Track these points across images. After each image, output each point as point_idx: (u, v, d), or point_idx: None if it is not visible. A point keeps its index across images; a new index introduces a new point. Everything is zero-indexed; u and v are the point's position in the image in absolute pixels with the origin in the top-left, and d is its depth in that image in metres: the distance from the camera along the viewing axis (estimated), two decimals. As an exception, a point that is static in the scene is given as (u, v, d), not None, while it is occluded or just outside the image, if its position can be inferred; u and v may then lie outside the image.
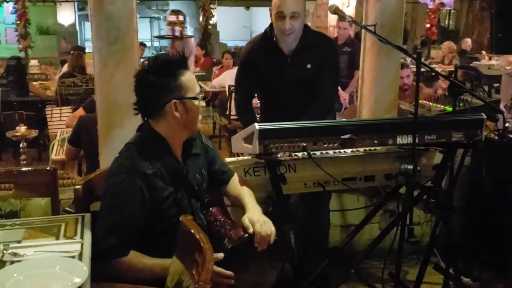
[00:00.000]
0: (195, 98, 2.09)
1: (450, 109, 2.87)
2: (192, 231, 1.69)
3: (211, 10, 11.54)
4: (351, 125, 2.45)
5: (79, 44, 18.46)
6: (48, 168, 2.33)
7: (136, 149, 2.06)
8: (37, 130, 4.25)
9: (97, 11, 3.00)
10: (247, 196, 2.29)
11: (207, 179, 2.30)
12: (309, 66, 3.02)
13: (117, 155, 2.11)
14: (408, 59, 10.07)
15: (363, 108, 3.58)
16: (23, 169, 2.29)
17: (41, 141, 6.13)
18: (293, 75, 3.03)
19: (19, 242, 1.85)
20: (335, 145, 2.45)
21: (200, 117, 2.17)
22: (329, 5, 2.93)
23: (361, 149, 2.74)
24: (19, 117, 5.88)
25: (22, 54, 9.86)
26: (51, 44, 16.62)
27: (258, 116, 3.36)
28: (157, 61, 2.08)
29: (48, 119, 5.95)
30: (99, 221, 2.02)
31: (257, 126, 2.33)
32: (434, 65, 9.75)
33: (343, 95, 5.52)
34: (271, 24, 3.03)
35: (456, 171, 2.83)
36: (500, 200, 3.27)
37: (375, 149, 2.77)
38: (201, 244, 1.61)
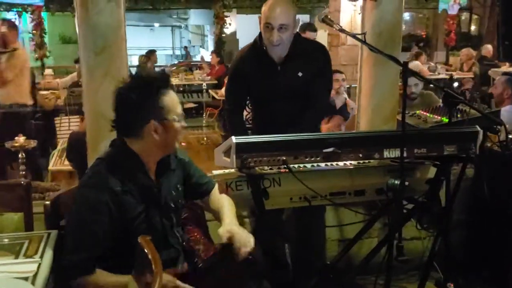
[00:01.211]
0: (176, 120, 2.01)
1: (447, 120, 2.75)
2: (146, 251, 1.61)
3: (225, 19, 11.51)
4: (335, 138, 2.34)
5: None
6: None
7: (105, 165, 2.00)
8: (36, 141, 4.24)
9: (83, 21, 2.96)
10: (226, 209, 2.21)
11: (182, 194, 2.23)
12: (300, 74, 2.94)
13: (87, 171, 2.05)
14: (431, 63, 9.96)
15: (361, 119, 3.47)
16: (-5, 183, 2.24)
17: (51, 150, 6.15)
18: (284, 83, 2.95)
19: (-23, 261, 1.80)
20: (318, 158, 2.34)
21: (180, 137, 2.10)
22: (321, 12, 2.83)
23: (354, 162, 2.63)
24: (27, 127, 5.91)
25: (39, 63, 10.00)
26: (73, 53, 16.87)
27: (250, 126, 3.28)
28: (139, 79, 2.01)
29: (57, 129, 5.97)
30: (65, 237, 1.96)
31: (234, 139, 2.24)
32: (452, 72, 9.56)
33: (351, 104, 5.41)
34: (260, 33, 2.96)
35: (455, 184, 2.71)
36: (503, 213, 3.13)
37: (367, 162, 2.65)
38: (152, 266, 1.52)
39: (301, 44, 2.96)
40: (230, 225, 2.06)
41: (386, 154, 2.40)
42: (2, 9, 11.73)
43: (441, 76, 9.17)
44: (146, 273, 1.58)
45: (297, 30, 3.01)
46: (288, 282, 3.28)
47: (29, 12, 10.13)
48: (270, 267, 3.36)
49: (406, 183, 2.29)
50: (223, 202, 2.27)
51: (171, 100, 2.01)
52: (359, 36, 2.65)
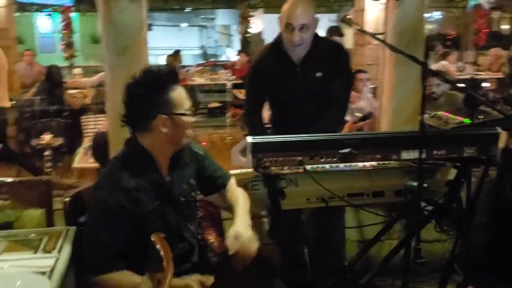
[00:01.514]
0: (184, 114, 2.04)
1: (469, 121, 2.71)
2: (158, 247, 1.64)
3: (249, 19, 11.51)
4: (351, 139, 2.33)
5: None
6: (42, 179, 2.33)
7: (120, 163, 2.03)
8: (62, 138, 4.33)
9: (106, 21, 3.02)
10: (239, 206, 2.22)
11: (197, 188, 2.25)
12: (319, 74, 2.92)
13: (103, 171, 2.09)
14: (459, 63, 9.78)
15: (382, 119, 3.46)
16: (18, 179, 2.30)
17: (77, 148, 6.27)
18: (303, 84, 2.94)
19: (-3, 255, 1.85)
20: (334, 159, 2.34)
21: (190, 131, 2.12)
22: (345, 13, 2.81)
23: (374, 163, 2.62)
24: (55, 125, 6.05)
25: (67, 63, 10.18)
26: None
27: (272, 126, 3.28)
28: (147, 75, 2.03)
29: (84, 127, 6.07)
30: (84, 236, 2.00)
31: (249, 139, 2.26)
32: (481, 73, 9.40)
33: (375, 104, 5.36)
34: (280, 33, 2.96)
35: (477, 187, 2.67)
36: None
37: (387, 163, 2.63)
38: (163, 263, 1.55)
39: (320, 44, 2.94)
40: (238, 227, 2.06)
41: (404, 155, 2.38)
42: (33, 10, 12.00)
43: (468, 76, 9.02)
44: (159, 270, 1.61)
45: (325, 35, 2.98)
46: (306, 282, 3.28)
47: (59, 13, 10.31)
48: (288, 266, 3.38)
49: (425, 185, 2.27)
50: (238, 198, 2.27)
51: (179, 95, 2.04)
52: (379, 36, 2.65)
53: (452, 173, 2.66)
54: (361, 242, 3.55)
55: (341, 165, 2.58)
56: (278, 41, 2.97)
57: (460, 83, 8.15)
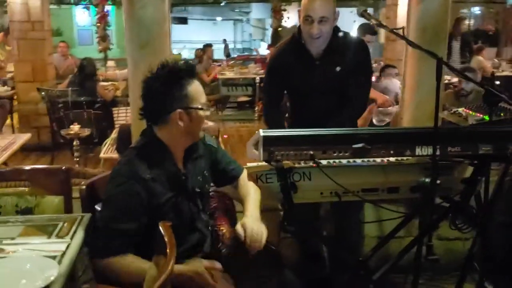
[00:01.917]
0: (200, 108, 2.09)
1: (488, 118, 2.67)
2: (163, 234, 1.68)
3: (282, 12, 11.48)
4: (364, 134, 2.33)
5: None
6: (62, 167, 2.41)
7: (136, 153, 2.09)
8: (89, 129, 4.43)
9: (129, 15, 3.08)
10: (249, 199, 2.27)
11: (210, 180, 2.31)
12: (338, 69, 2.91)
13: (119, 160, 2.15)
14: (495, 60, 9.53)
15: (404, 115, 3.42)
16: (39, 167, 2.38)
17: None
18: (321, 78, 2.94)
19: (13, 239, 1.93)
20: (346, 154, 2.34)
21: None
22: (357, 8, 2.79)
23: (392, 159, 2.60)
24: (87, 116, 6.19)
25: (102, 55, 10.37)
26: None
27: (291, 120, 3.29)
28: (165, 69, 2.08)
29: (115, 119, 6.19)
30: (96, 220, 2.07)
31: (261, 132, 2.28)
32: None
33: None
34: (299, 27, 2.96)
35: (496, 185, 2.63)
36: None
37: (405, 159, 2.62)
38: (167, 249, 1.59)
39: (340, 39, 2.93)
40: (247, 219, 2.11)
41: (418, 151, 2.37)
42: (72, 3, 12.26)
43: (505, 73, 8.81)
44: (163, 257, 1.65)
45: (358, 35, 2.95)
46: (324, 277, 3.29)
47: (95, 6, 10.50)
48: (305, 260, 3.40)
49: (438, 181, 2.25)
50: (249, 191, 2.32)
51: (195, 89, 2.08)
52: (399, 31, 2.62)
53: (469, 171, 2.63)
54: (380, 238, 3.53)
55: (358, 160, 2.58)
56: (297, 34, 2.97)
57: (495, 80, 8.00)
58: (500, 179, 2.63)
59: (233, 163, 2.40)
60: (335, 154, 2.34)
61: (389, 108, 4.48)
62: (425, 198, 2.27)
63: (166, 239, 1.68)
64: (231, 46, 22.41)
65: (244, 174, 2.40)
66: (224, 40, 20.18)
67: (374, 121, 4.39)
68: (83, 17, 17.59)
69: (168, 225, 1.77)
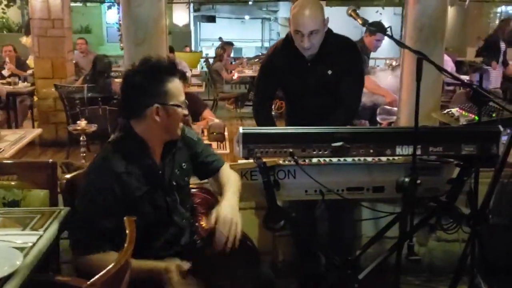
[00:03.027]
0: (178, 106, 2.11)
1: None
2: (126, 229, 1.71)
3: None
4: (345, 133, 2.32)
5: (192, 44, 19.34)
6: (49, 161, 2.46)
7: (111, 148, 2.12)
8: (96, 125, 4.50)
9: (126, 12, 3.14)
10: (228, 188, 2.26)
11: (189, 172, 2.32)
12: (330, 72, 2.91)
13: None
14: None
15: (401, 114, 3.39)
16: (25, 161, 2.43)
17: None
18: (313, 80, 2.94)
19: (-12, 230, 1.99)
20: (326, 152, 2.33)
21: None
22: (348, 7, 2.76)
23: (384, 158, 2.58)
24: (102, 112, 6.29)
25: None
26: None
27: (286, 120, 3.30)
28: (147, 64, 2.10)
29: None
30: (73, 217, 2.11)
31: (241, 129, 2.30)
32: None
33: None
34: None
35: (490, 186, 2.59)
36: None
37: (392, 159, 2.60)
38: (125, 245, 1.62)
39: (332, 41, 2.92)
40: (221, 207, 2.11)
41: (398, 151, 2.35)
42: (98, 0, 12.47)
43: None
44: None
45: (364, 35, 2.91)
46: (318, 274, 3.30)
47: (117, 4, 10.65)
48: (299, 258, 3.40)
49: (419, 181, 2.23)
50: (229, 180, 2.31)
51: (175, 87, 2.10)
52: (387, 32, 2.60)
53: (457, 171, 2.59)
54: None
55: (349, 159, 2.57)
56: (290, 36, 2.97)
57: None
58: (493, 181, 2.59)
59: (214, 156, 2.41)
60: (314, 152, 2.34)
61: (395, 108, 4.43)
62: (404, 199, 2.23)
63: (127, 233, 1.71)
64: (258, 44, 22.46)
65: (226, 166, 2.41)
66: (220, 38, 20.17)
67: (378, 119, 4.35)
68: (112, 14, 17.90)
69: (132, 219, 1.79)
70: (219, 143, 4.19)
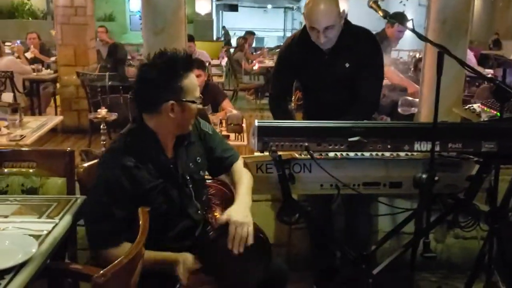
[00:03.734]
0: (193, 102, 2.10)
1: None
2: (140, 221, 1.72)
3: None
4: (362, 128, 2.30)
5: (214, 33, 19.34)
6: (67, 150, 2.49)
7: (123, 141, 2.11)
8: (116, 114, 4.52)
9: (145, 2, 3.13)
10: (241, 187, 2.25)
11: (204, 166, 2.31)
12: (347, 65, 2.87)
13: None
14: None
15: (422, 108, 3.35)
16: (43, 149, 2.46)
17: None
18: (331, 74, 2.91)
19: (6, 217, 2.02)
20: (342, 147, 2.31)
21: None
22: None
23: (402, 153, 2.55)
24: (123, 100, 6.33)
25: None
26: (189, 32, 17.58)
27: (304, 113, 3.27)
28: (163, 58, 2.06)
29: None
30: (85, 210, 2.13)
31: (256, 122, 2.29)
32: None
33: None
34: None
35: (511, 183, 2.55)
36: None
37: (410, 154, 2.57)
38: (138, 236, 1.63)
39: (351, 33, 2.87)
40: (233, 211, 2.09)
41: (417, 147, 2.32)
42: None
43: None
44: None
45: (386, 26, 2.85)
46: (334, 268, 3.29)
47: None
48: (315, 251, 3.40)
49: (436, 178, 2.20)
50: (242, 178, 2.29)
51: (191, 82, 2.08)
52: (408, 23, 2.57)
53: (477, 168, 2.55)
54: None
55: (366, 154, 2.55)
56: (307, 29, 2.94)
57: None
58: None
59: (229, 151, 2.40)
60: (330, 147, 2.32)
61: (417, 99, 4.39)
62: (421, 195, 2.20)
63: (140, 223, 1.72)
64: (280, 34, 22.35)
65: (240, 161, 2.40)
66: (224, 27, 20.03)
67: (400, 110, 4.30)
68: (135, 2, 17.97)
69: (146, 210, 1.80)
70: (237, 134, 4.19)
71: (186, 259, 2.04)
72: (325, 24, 2.72)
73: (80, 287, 2.31)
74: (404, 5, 13.13)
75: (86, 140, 6.63)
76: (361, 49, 2.86)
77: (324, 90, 2.97)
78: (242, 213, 2.09)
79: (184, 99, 2.06)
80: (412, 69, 6.00)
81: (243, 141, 4.14)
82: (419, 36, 2.54)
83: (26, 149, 2.56)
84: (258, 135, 2.28)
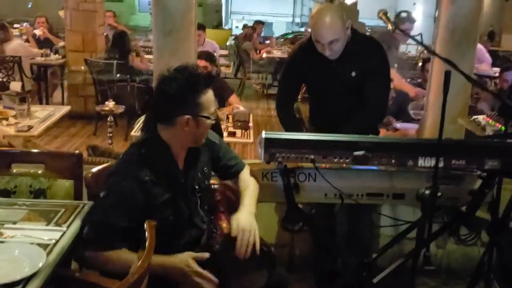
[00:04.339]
0: (208, 118, 2.13)
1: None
2: (146, 233, 1.76)
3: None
4: (367, 142, 2.32)
5: (223, 17, 19.24)
6: (75, 152, 2.52)
7: (138, 153, 2.13)
8: (123, 106, 4.55)
9: (155, 3, 3.13)
10: (246, 195, 2.30)
11: (210, 175, 2.37)
12: (353, 74, 2.88)
13: (122, 154, 2.23)
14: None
15: (428, 117, 3.35)
16: (52, 150, 2.49)
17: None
18: (337, 81, 2.92)
19: (14, 223, 2.05)
20: (347, 160, 2.33)
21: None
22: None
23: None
24: (130, 89, 6.36)
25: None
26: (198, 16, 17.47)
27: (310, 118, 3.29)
28: (184, 73, 2.08)
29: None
30: (90, 212, 2.15)
31: (263, 134, 2.31)
32: None
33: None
34: None
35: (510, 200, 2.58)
36: None
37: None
38: (145, 249, 1.67)
39: (358, 42, 2.88)
40: (239, 219, 2.14)
41: (421, 162, 2.34)
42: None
43: None
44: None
45: (392, 27, 2.83)
46: (336, 271, 3.32)
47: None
48: (316, 255, 3.44)
49: (439, 193, 2.22)
50: (247, 186, 2.35)
51: (208, 99, 2.11)
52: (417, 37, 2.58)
53: (479, 182, 2.57)
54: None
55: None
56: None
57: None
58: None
59: (235, 159, 2.44)
60: (335, 160, 2.34)
61: (422, 101, 4.40)
62: (423, 210, 2.23)
63: (147, 238, 1.75)
64: (289, 20, 22.17)
65: (246, 170, 2.44)
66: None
67: (411, 114, 4.30)
68: (144, -16, 17.81)
69: (153, 224, 1.83)
70: (243, 131, 4.21)
71: (188, 265, 2.05)
72: (330, 38, 2.74)
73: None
74: (414, 4, 13.05)
75: (92, 126, 6.68)
76: (368, 58, 2.87)
77: (330, 96, 2.98)
78: (247, 220, 2.15)
79: (199, 115, 2.09)
80: (420, 65, 5.99)
81: (249, 138, 4.16)
82: (428, 50, 2.56)
83: (35, 150, 2.58)
84: (265, 146, 2.31)
